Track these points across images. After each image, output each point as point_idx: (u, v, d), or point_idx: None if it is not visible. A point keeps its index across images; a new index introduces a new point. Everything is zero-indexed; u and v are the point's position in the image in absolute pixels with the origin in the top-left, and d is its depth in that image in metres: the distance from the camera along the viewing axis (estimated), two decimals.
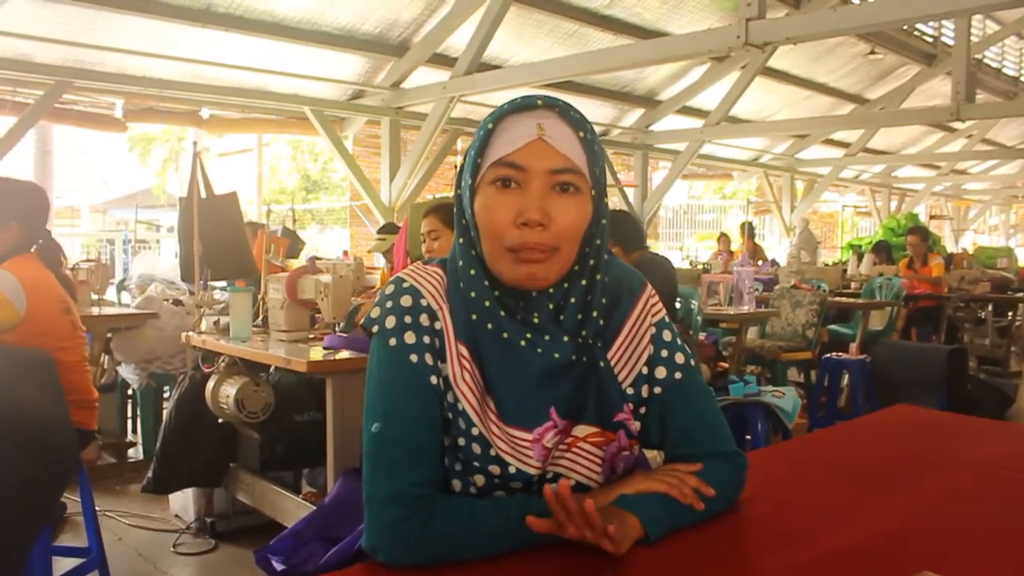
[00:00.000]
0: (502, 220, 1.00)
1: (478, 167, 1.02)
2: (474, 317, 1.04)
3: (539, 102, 1.02)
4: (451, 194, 6.06)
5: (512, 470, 1.02)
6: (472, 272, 1.04)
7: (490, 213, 1.00)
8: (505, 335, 1.03)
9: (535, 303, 1.05)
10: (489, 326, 1.04)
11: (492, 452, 1.02)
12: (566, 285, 1.05)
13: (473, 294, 1.04)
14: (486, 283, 1.04)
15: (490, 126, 1.02)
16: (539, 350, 1.04)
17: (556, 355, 1.04)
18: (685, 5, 7.27)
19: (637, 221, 3.95)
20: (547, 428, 1.04)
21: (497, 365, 1.03)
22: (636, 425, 1.10)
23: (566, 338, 1.05)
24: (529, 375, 1.03)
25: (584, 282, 1.06)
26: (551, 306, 1.05)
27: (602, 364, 1.07)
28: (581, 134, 1.02)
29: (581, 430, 1.06)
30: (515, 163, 0.99)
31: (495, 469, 1.02)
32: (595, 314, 1.06)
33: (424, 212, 2.98)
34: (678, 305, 4.30)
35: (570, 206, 1.01)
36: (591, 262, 1.05)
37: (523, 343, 1.03)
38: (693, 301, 4.43)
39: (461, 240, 1.06)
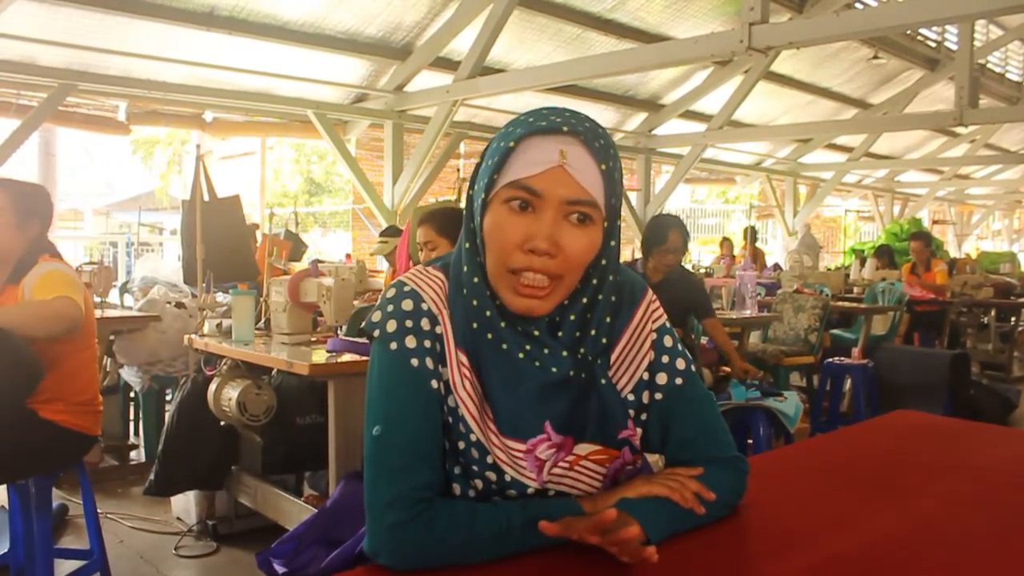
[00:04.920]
0: (510, 242, 0.98)
1: (493, 183, 1.00)
2: (475, 326, 1.03)
3: (564, 128, 0.98)
4: (452, 198, 6.00)
5: (508, 479, 1.02)
6: (475, 280, 1.03)
7: (500, 232, 0.99)
8: (504, 346, 1.03)
9: (535, 316, 1.04)
10: (489, 336, 1.03)
11: (489, 459, 1.02)
12: (566, 303, 1.04)
13: (475, 302, 1.03)
14: (488, 292, 1.03)
15: (512, 144, 0.99)
16: (537, 363, 1.03)
17: (554, 369, 1.03)
18: (688, 9, 7.28)
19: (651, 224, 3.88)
20: (540, 440, 1.03)
21: (495, 376, 1.03)
22: (639, 433, 1.09)
23: (565, 353, 1.04)
24: (527, 388, 1.03)
25: (584, 300, 1.05)
26: (549, 321, 1.05)
27: (603, 381, 1.07)
28: (603, 166, 0.99)
29: (583, 448, 1.06)
30: (532, 188, 0.97)
31: (492, 476, 1.02)
32: (594, 332, 1.06)
33: (418, 222, 2.89)
34: None
35: (580, 236, 0.99)
36: (593, 282, 1.05)
37: (522, 355, 1.03)
38: None
39: (467, 245, 1.05)
